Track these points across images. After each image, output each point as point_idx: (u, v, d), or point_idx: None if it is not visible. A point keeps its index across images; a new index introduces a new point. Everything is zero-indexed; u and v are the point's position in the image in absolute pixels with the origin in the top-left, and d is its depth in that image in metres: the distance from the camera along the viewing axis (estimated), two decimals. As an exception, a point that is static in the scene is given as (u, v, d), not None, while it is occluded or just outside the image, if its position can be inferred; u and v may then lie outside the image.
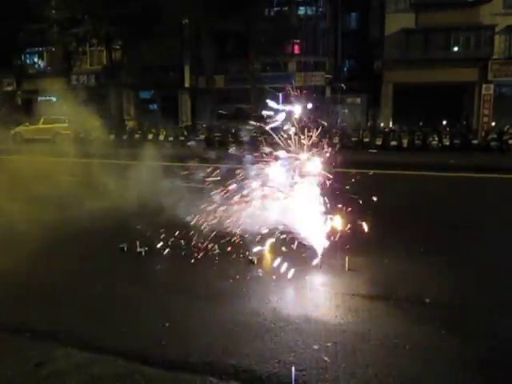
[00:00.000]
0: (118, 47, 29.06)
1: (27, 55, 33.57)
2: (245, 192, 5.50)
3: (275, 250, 5.21)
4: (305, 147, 5.27)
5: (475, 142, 20.49)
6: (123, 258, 5.45)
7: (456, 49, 24.14)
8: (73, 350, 3.35)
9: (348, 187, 5.54)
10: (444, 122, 21.84)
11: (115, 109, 28.46)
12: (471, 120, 23.95)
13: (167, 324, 3.72)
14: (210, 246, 5.52)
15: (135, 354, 3.28)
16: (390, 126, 23.23)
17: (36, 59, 33.58)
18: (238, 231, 5.59)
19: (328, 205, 5.22)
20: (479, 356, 3.27)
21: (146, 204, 7.05)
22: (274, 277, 4.70)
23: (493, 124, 22.40)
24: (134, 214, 6.70)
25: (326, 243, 5.18)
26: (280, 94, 5.52)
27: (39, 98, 33.44)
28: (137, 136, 25.12)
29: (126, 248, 5.60)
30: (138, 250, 5.47)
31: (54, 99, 33.40)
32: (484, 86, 23.70)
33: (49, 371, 3.10)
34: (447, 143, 20.26)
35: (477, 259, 5.41)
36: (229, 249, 5.44)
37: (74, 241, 6.15)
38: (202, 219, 5.89)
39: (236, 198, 5.57)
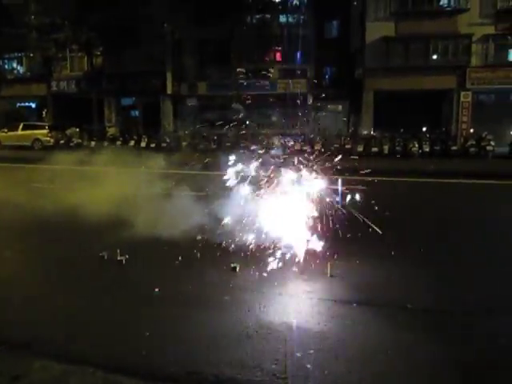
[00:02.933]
0: (99, 53, 28.80)
1: (5, 60, 33.00)
2: (228, 199, 5.48)
3: (258, 258, 5.18)
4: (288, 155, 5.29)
5: (454, 148, 20.89)
6: (103, 267, 5.35)
7: (435, 57, 24.60)
8: (50, 363, 3.26)
9: (331, 193, 5.55)
10: (424, 129, 22.22)
11: (96, 115, 28.15)
12: (450, 127, 24.38)
13: (147, 333, 3.65)
14: (192, 254, 5.46)
15: (114, 365, 3.21)
16: (371, 132, 23.49)
17: (15, 64, 33.03)
18: (221, 239, 5.56)
19: (311, 211, 5.23)
20: (460, 359, 3.29)
21: (120, 212, 6.94)
22: (256, 284, 4.68)
23: (471, 131, 22.86)
24: (108, 222, 6.60)
25: (309, 250, 5.17)
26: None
27: (18, 104, 32.92)
28: (118, 143, 24.89)
29: (106, 256, 5.50)
30: (119, 258, 5.38)
31: (34, 105, 32.94)
32: (462, 93, 24.17)
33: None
34: (427, 149, 20.61)
35: (458, 264, 5.47)
36: (211, 256, 5.39)
37: (53, 247, 6.03)
38: (184, 226, 5.85)
39: (220, 205, 5.55)
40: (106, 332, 3.74)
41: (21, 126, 26.81)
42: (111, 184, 7.96)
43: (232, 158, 5.57)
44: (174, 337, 3.63)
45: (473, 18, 23.58)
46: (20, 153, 22.10)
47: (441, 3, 24.33)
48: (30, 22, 26.22)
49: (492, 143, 19.76)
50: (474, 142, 20.35)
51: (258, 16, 27.71)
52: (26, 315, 4.07)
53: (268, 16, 27.65)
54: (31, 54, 30.99)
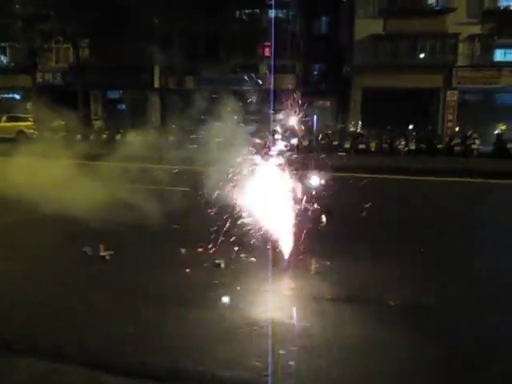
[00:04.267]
0: (85, 45, 28.41)
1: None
2: (214, 192, 5.44)
3: (242, 255, 5.19)
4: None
5: (440, 146, 21.10)
6: (86, 262, 5.31)
7: (422, 55, 24.80)
8: (33, 360, 3.23)
9: (316, 190, 5.56)
10: (411, 127, 22.41)
11: (82, 108, 27.79)
12: (436, 125, 24.64)
13: (131, 330, 3.64)
14: (175, 250, 5.45)
15: (98, 363, 3.19)
16: (359, 129, 23.62)
17: (-2, 55, 32.43)
18: (205, 235, 5.55)
19: (296, 208, 5.23)
20: (442, 356, 3.34)
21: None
22: (240, 281, 4.68)
23: (457, 129, 23.12)
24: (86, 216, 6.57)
25: (293, 247, 5.19)
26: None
27: (2, 96, 32.35)
28: (104, 136, 24.61)
29: (89, 252, 5.45)
30: (102, 253, 5.34)
31: (18, 97, 32.39)
32: (448, 92, 24.45)
33: (8, 383, 2.98)
34: (413, 147, 20.80)
35: (441, 261, 5.54)
36: (195, 253, 5.38)
37: (34, 242, 5.96)
38: (169, 221, 5.82)
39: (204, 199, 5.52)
40: (87, 329, 3.71)
41: (4, 118, 26.35)
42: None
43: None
44: (157, 334, 3.62)
45: (460, 17, 23.82)
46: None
47: (429, 2, 24.52)
48: (15, 12, 25.72)
49: (477, 142, 19.99)
50: (459, 141, 20.57)
51: (247, 11, 27.61)
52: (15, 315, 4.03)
53: (257, 11, 27.56)
54: (16, 45, 30.45)
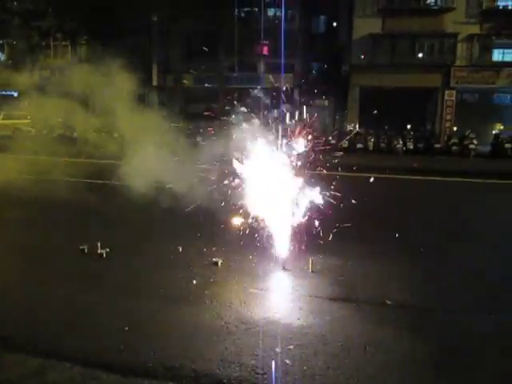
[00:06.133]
0: (83, 42, 28.32)
1: (-14, 47, 32.22)
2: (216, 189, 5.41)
3: (240, 253, 5.18)
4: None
5: (438, 146, 21.13)
6: (83, 260, 5.28)
7: (421, 55, 24.78)
8: (27, 357, 3.22)
9: (315, 189, 5.55)
10: (408, 126, 22.43)
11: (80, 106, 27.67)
12: (434, 125, 24.64)
13: (126, 328, 3.62)
14: (172, 248, 5.43)
15: (93, 360, 3.18)
16: (357, 128, 23.62)
17: (-4, 52, 32.27)
18: (202, 233, 5.54)
19: (295, 205, 5.22)
20: (437, 356, 3.34)
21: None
22: (237, 279, 4.67)
23: (455, 129, 23.14)
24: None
25: (290, 245, 5.18)
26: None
27: (-1, 93, 32.20)
28: (102, 134, 24.55)
29: (86, 249, 5.43)
30: (99, 251, 5.32)
31: (15, 94, 32.25)
32: (447, 91, 24.43)
33: (0, 379, 2.96)
34: (411, 147, 20.82)
35: (438, 261, 5.54)
36: (192, 250, 5.37)
37: (31, 240, 5.94)
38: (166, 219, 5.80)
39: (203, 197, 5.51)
40: (83, 327, 3.70)
41: (1, 116, 26.25)
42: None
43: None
44: (153, 331, 3.60)
45: (459, 17, 23.80)
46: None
47: (428, 1, 24.49)
48: (12, 8, 25.62)
49: (475, 142, 20.02)
50: (456, 141, 20.61)
51: (245, 9, 27.56)
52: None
53: (256, 9, 27.52)
54: (14, 42, 30.30)
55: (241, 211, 5.19)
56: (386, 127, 22.18)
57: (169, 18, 24.75)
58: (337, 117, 27.24)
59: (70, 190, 8.20)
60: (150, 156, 6.45)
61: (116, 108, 7.14)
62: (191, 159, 6.26)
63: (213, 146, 5.82)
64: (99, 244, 5.40)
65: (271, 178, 5.18)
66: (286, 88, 23.93)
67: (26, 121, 26.00)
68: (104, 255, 5.28)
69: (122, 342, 3.41)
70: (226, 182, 5.21)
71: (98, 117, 7.76)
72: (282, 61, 24.48)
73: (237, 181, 5.20)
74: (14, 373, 3.04)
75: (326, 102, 27.73)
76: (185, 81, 27.93)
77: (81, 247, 5.45)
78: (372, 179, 7.51)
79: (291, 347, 3.38)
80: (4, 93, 32.30)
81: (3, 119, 26.07)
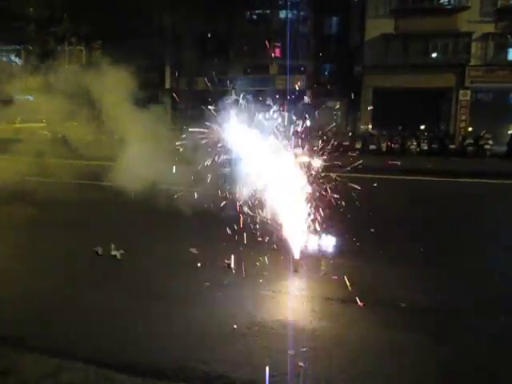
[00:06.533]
0: (97, 46, 28.64)
1: (3, 53, 32.77)
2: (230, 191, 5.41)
3: (252, 255, 5.17)
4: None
5: (452, 146, 20.89)
6: (97, 262, 5.33)
7: (434, 55, 24.55)
8: (42, 357, 3.25)
9: (328, 190, 5.52)
10: (422, 127, 22.20)
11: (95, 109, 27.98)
12: (449, 125, 24.37)
13: (140, 330, 3.64)
14: (185, 250, 5.45)
15: (107, 361, 3.20)
16: (370, 129, 23.47)
17: (13, 57, 32.79)
18: (213, 235, 5.55)
19: (307, 207, 5.20)
20: (452, 358, 3.30)
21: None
22: (250, 281, 4.67)
23: (470, 129, 22.85)
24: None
25: (303, 247, 5.16)
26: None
27: (16, 97, 32.69)
28: (117, 137, 24.79)
29: (99, 251, 5.48)
30: (113, 253, 5.36)
31: (32, 98, 32.73)
32: (461, 91, 24.15)
33: (15, 379, 2.99)
34: (425, 148, 20.60)
35: (452, 263, 5.47)
36: (205, 252, 5.38)
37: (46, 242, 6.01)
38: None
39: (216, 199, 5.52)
40: (96, 327, 3.73)
41: (18, 120, 26.65)
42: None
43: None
44: (166, 333, 3.62)
45: (473, 16, 23.52)
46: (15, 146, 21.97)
47: (441, 1, 24.26)
48: (29, 15, 26.03)
49: (490, 142, 19.75)
50: (472, 141, 20.33)
51: (257, 11, 27.60)
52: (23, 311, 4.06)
53: (268, 11, 27.54)
54: (30, 47, 30.78)
55: (253, 214, 5.19)
56: (400, 128, 21.99)
57: (182, 20, 24.89)
58: (349, 118, 27.09)
59: (81, 191, 8.33)
60: (158, 159, 6.54)
61: (124, 112, 7.22)
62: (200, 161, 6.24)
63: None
64: (113, 246, 5.45)
65: (284, 180, 5.16)
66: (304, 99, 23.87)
67: (42, 124, 26.40)
68: (118, 256, 5.33)
69: (135, 343, 3.43)
70: (241, 186, 5.20)
71: (109, 120, 7.82)
72: (289, 62, 24.46)
73: (249, 182, 5.19)
74: (30, 373, 3.07)
75: (339, 104, 27.63)
76: (198, 83, 28.04)
77: (94, 249, 5.51)
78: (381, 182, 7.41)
79: (304, 349, 3.36)
80: (20, 97, 32.83)
81: (20, 123, 26.45)
